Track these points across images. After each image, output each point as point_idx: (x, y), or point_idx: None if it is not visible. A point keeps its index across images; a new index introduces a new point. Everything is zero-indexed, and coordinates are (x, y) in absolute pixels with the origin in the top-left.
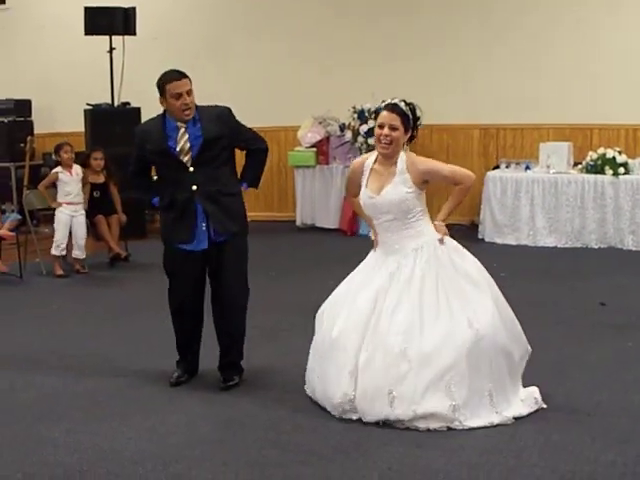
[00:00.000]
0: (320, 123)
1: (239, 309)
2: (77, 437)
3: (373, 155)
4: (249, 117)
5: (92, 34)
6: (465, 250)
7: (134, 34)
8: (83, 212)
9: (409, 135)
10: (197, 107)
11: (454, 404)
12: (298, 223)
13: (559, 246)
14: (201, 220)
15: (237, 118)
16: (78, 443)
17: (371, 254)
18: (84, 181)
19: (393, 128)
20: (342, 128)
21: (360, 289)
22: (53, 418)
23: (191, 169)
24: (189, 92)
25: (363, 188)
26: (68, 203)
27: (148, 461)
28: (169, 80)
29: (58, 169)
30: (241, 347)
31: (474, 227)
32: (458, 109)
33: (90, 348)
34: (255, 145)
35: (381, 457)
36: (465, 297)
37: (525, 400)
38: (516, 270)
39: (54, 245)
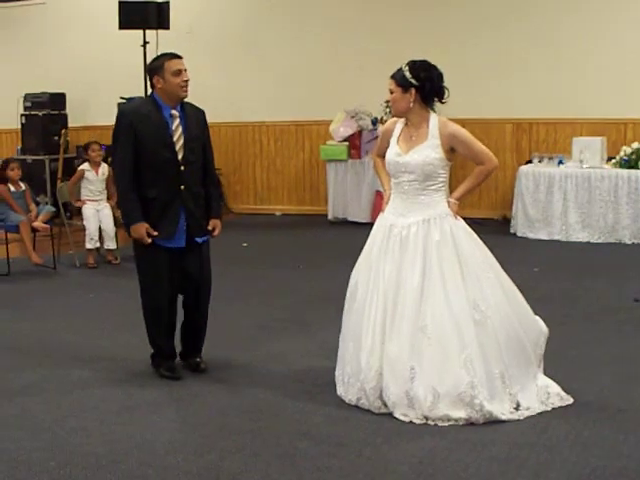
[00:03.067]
0: (352, 117)
1: (204, 305)
2: (109, 427)
3: None
4: (282, 111)
5: (126, 28)
6: (473, 232)
7: (167, 28)
8: (107, 205)
9: (413, 95)
10: (188, 105)
11: (473, 381)
12: (330, 217)
13: (592, 241)
14: (182, 220)
15: (261, 115)
16: (111, 433)
17: (379, 220)
18: (110, 180)
19: (391, 92)
20: (374, 122)
21: (380, 263)
22: (86, 408)
23: (182, 167)
24: (186, 71)
25: (392, 145)
26: (90, 200)
27: (180, 451)
28: (169, 58)
29: (85, 166)
30: (204, 336)
31: (506, 222)
32: (491, 103)
33: (122, 339)
34: (213, 171)
35: (411, 450)
36: (472, 278)
37: (545, 393)
38: (548, 265)
39: (87, 239)
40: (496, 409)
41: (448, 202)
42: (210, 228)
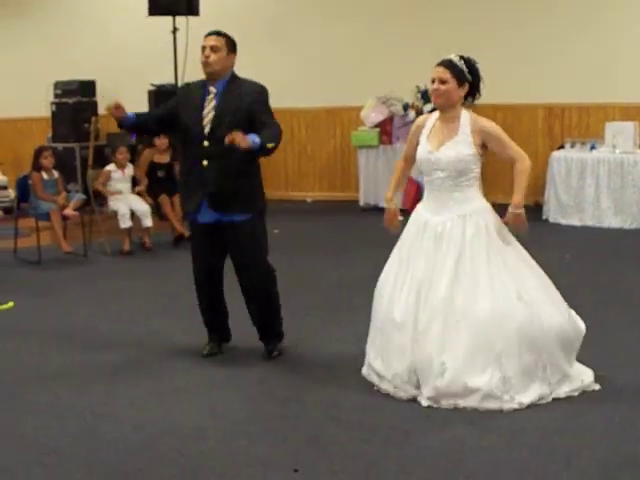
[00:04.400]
0: (383, 103)
1: (258, 291)
2: (139, 413)
3: (437, 113)
4: (312, 97)
5: (155, 15)
6: (507, 229)
7: (197, 14)
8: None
9: (466, 90)
10: (234, 77)
11: (504, 376)
12: (361, 203)
13: (625, 227)
14: (205, 195)
15: (292, 101)
16: (140, 419)
17: (413, 216)
18: (138, 175)
19: (442, 81)
20: (405, 108)
21: (411, 257)
22: (116, 394)
23: (205, 143)
24: (213, 48)
25: (423, 142)
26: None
27: (210, 437)
28: (205, 35)
29: (112, 167)
30: (273, 324)
31: (538, 207)
32: (523, 88)
33: (153, 325)
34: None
35: (441, 438)
36: (514, 270)
37: (580, 381)
38: (580, 251)
39: (120, 220)
40: (529, 400)
41: (510, 214)
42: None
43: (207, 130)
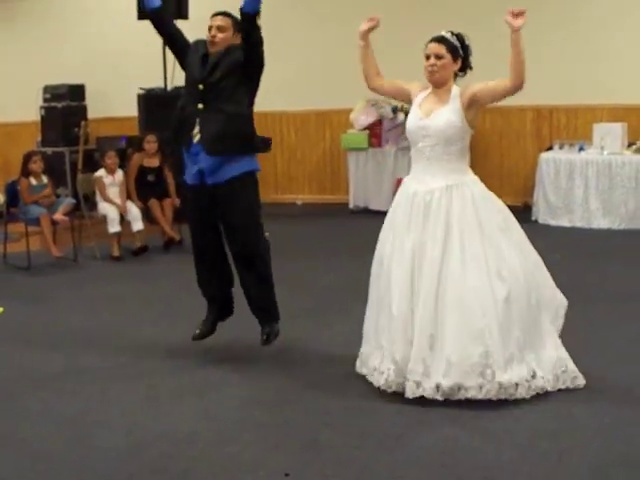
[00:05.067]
0: (373, 105)
1: (250, 259)
2: (131, 419)
3: (429, 89)
4: (302, 100)
5: (145, 18)
6: (494, 196)
7: (187, 18)
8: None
9: (459, 64)
10: (233, 46)
11: (488, 350)
12: (351, 206)
13: (613, 228)
14: (197, 141)
15: (282, 104)
16: (132, 425)
17: (401, 189)
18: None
19: (439, 57)
20: (395, 110)
21: (403, 231)
22: (108, 400)
23: (200, 86)
24: (219, 27)
25: (414, 109)
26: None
27: (202, 442)
28: (211, 16)
29: (102, 172)
30: (266, 295)
31: (527, 209)
32: None
33: (145, 330)
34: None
35: (433, 440)
36: (493, 246)
37: (563, 366)
38: (570, 252)
39: (109, 224)
40: (509, 378)
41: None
42: None
43: (203, 76)
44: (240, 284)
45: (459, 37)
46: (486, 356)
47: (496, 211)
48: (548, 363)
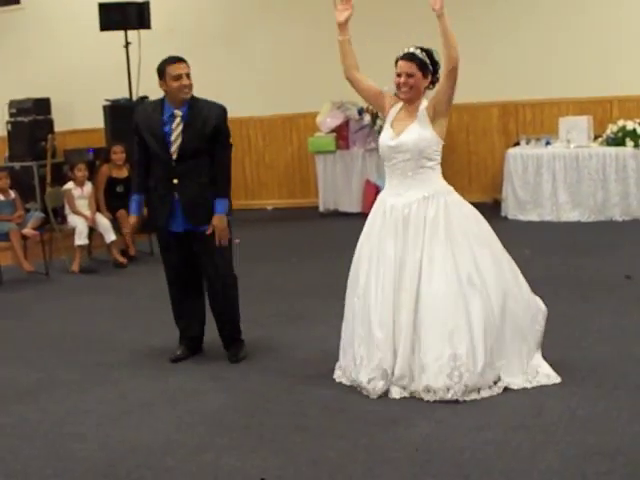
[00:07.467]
0: (338, 108)
1: (223, 294)
2: (106, 431)
3: (401, 103)
4: (268, 105)
5: (107, 30)
6: (471, 208)
7: (149, 27)
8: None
9: (429, 80)
10: (194, 99)
11: (456, 353)
12: (321, 209)
13: (582, 220)
14: (179, 209)
15: (248, 110)
16: (107, 437)
17: (376, 205)
18: (92, 198)
19: (409, 75)
20: (361, 112)
21: (380, 245)
22: (82, 413)
23: (174, 164)
24: (188, 75)
25: (387, 128)
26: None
27: (177, 451)
28: (169, 63)
29: (71, 185)
30: (234, 325)
31: (497, 205)
32: (476, 87)
33: (117, 341)
34: (222, 160)
35: (407, 438)
36: (465, 253)
37: (534, 372)
38: (540, 246)
39: (76, 237)
40: (476, 382)
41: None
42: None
43: (175, 156)
44: (217, 323)
45: (428, 52)
46: (454, 359)
47: (473, 220)
48: (517, 369)
